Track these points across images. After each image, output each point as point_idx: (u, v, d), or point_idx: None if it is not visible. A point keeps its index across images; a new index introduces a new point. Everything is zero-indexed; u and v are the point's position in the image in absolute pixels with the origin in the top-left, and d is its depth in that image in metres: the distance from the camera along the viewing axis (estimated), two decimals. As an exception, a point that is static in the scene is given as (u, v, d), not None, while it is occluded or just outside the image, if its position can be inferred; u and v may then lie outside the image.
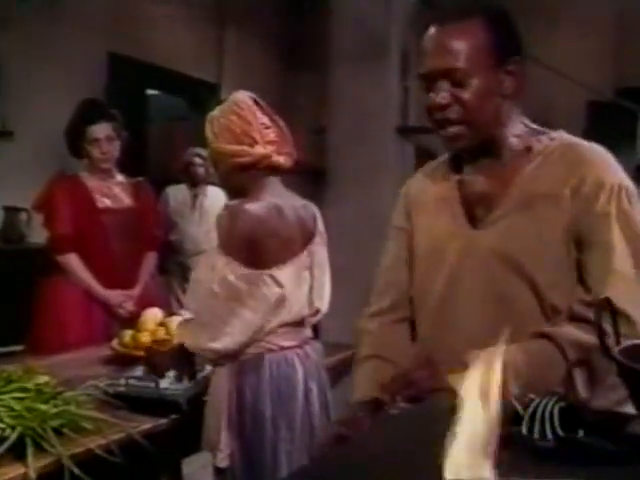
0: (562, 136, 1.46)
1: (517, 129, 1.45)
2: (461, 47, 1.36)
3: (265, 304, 1.98)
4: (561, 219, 1.37)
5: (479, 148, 1.44)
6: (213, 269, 1.96)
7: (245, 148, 2.02)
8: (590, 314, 1.26)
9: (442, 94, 1.38)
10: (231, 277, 1.93)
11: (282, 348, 2.04)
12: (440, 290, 1.47)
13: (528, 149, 1.44)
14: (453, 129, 1.41)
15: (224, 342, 1.94)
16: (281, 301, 2.01)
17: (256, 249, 1.96)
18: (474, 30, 1.37)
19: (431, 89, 1.40)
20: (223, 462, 1.97)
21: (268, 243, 1.98)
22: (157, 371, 2.04)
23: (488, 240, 1.42)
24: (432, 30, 1.40)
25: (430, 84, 1.40)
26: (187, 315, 2.12)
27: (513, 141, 1.44)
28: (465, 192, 1.49)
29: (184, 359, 2.05)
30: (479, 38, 1.37)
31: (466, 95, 1.37)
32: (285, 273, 2.02)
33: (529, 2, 5.51)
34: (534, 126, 1.48)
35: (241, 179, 2.05)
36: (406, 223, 1.60)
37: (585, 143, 1.45)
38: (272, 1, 6.61)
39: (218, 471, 2.00)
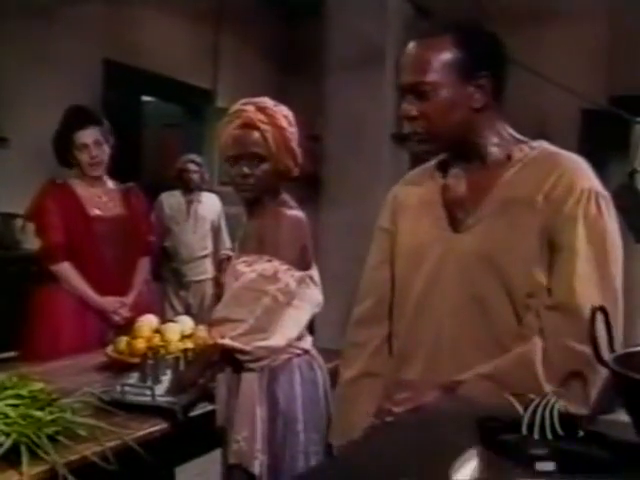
0: (542, 145, 1.52)
1: (497, 138, 1.52)
2: (427, 62, 1.45)
3: (309, 303, 2.06)
4: (534, 224, 1.42)
5: (461, 155, 1.53)
6: (275, 277, 1.96)
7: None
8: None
9: (409, 107, 1.48)
10: (293, 284, 1.99)
11: (305, 351, 2.09)
12: (419, 289, 1.55)
13: (508, 157, 1.50)
14: (419, 138, 1.50)
15: (275, 339, 1.97)
16: (319, 300, 2.11)
17: (303, 251, 2.06)
18: (442, 46, 1.45)
19: (404, 101, 1.50)
20: (258, 469, 1.97)
21: (308, 245, 2.09)
22: (188, 378, 2.03)
23: (466, 243, 1.49)
24: (409, 45, 1.50)
25: (403, 97, 1.50)
26: (218, 315, 2.04)
27: (493, 149, 1.51)
28: (448, 196, 1.56)
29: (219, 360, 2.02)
30: (446, 53, 1.45)
31: (429, 109, 1.46)
32: (315, 273, 2.12)
33: (523, 11, 5.55)
34: (517, 136, 1.55)
35: (279, 186, 2.11)
36: (390, 224, 1.67)
37: (563, 152, 1.51)
38: (268, 8, 6.62)
39: (250, 478, 1.99)
